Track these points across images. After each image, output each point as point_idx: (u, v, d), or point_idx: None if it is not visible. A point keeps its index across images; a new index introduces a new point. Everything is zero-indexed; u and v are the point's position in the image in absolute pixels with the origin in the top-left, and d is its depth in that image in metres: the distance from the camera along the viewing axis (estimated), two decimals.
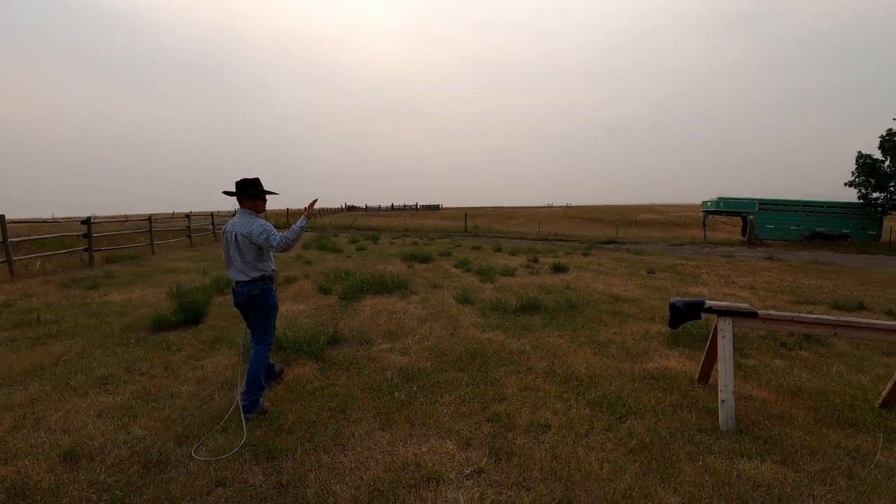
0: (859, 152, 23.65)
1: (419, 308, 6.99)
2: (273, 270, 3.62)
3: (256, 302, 3.52)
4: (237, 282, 3.53)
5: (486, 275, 9.98)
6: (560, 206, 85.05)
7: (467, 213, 39.16)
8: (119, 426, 3.26)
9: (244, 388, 3.48)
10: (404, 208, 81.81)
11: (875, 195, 23.11)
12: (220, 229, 23.16)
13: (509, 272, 10.59)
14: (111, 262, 12.66)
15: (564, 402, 3.61)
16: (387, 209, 79.68)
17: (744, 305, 3.43)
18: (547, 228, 35.33)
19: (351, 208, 77.05)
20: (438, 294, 8.06)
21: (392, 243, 20.42)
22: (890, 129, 22.62)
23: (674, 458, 2.79)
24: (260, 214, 3.60)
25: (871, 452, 2.87)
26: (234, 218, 3.62)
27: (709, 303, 3.50)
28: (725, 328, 3.39)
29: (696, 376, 4.02)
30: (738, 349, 4.92)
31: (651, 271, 11.86)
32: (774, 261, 16.59)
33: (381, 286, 8.22)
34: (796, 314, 3.32)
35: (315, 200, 3.72)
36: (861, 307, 7.35)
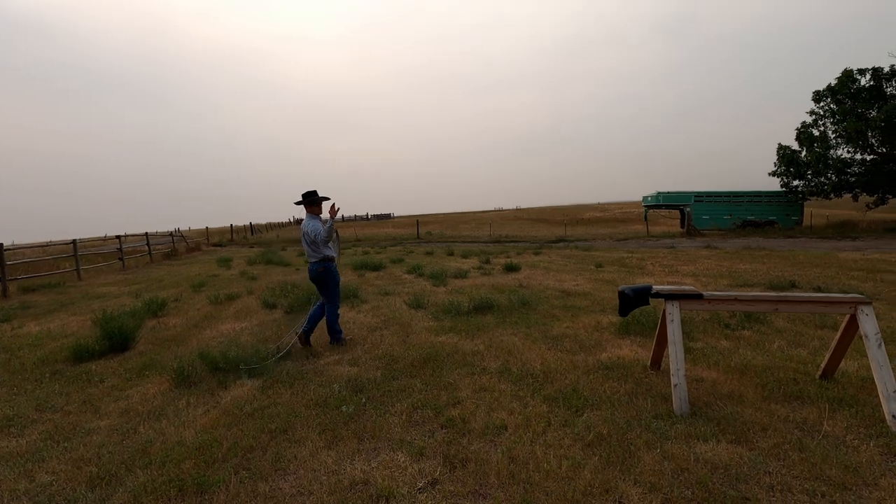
0: (779, 144, 25.44)
1: (369, 316, 6.74)
2: (332, 255, 5.24)
3: (322, 277, 5.21)
4: (310, 262, 5.24)
5: (438, 278, 9.83)
6: (510, 209, 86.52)
7: (419, 220, 39.01)
8: (21, 473, 2.84)
9: (330, 338, 5.34)
10: (355, 219, 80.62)
11: (795, 183, 24.89)
12: (157, 250, 21.90)
13: (462, 274, 10.50)
14: (29, 291, 11.56)
15: (520, 401, 3.49)
16: (337, 221, 78.34)
17: (689, 288, 3.45)
18: (498, 231, 35.74)
19: (300, 221, 75.13)
20: (390, 301, 7.83)
21: (342, 253, 19.92)
22: (804, 122, 24.48)
23: (632, 447, 2.72)
24: (320, 215, 5.26)
25: (817, 423, 2.91)
26: (304, 220, 5.29)
27: (656, 288, 3.49)
28: (673, 312, 3.39)
29: (649, 363, 4.02)
30: (686, 333, 4.99)
31: (599, 265, 12.12)
32: (712, 249, 17.44)
33: None
34: (738, 293, 3.36)
35: (334, 204, 5.06)
36: (793, 286, 7.75)
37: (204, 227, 40.32)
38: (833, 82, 22.95)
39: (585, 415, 3.19)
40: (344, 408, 3.51)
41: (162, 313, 7.77)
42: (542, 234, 31.82)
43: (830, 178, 23.05)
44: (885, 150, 21.73)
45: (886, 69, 21.99)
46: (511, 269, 11.24)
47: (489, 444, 2.88)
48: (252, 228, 45.89)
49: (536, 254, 16.72)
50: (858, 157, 22.71)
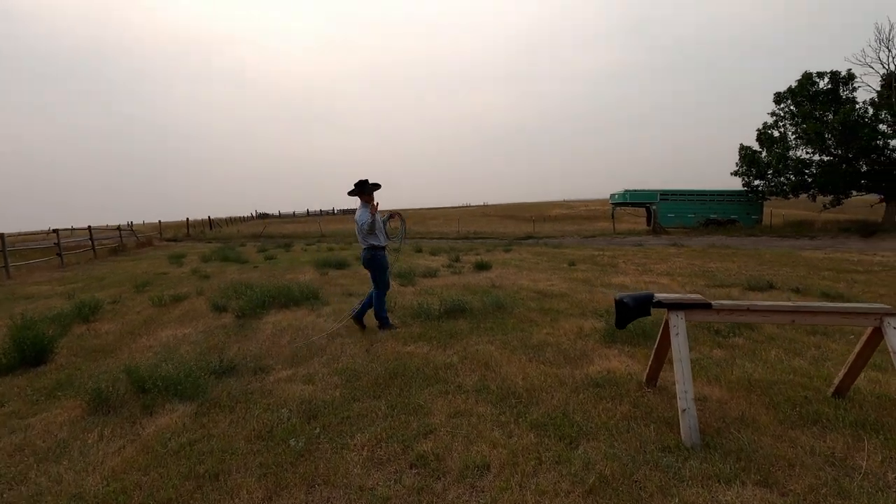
0: (741, 144, 25.96)
1: (331, 321, 6.10)
2: (381, 243, 5.45)
3: (370, 262, 5.46)
4: (362, 248, 5.53)
5: (406, 277, 9.25)
6: (477, 206, 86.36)
7: None
8: None
9: (379, 323, 5.59)
10: (321, 213, 78.61)
11: (756, 183, 25.45)
12: (102, 245, 20.36)
13: (431, 273, 9.95)
14: None
15: (503, 429, 2.98)
16: (302, 215, 76.06)
17: (696, 297, 3.01)
18: (466, 227, 35.33)
19: (263, 216, 72.57)
20: (354, 303, 7.18)
21: (305, 250, 19.02)
22: (765, 123, 25.04)
23: (643, 494, 2.25)
24: (370, 204, 5.40)
25: (847, 456, 2.52)
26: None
27: (658, 296, 3.04)
28: (678, 324, 2.95)
29: (644, 378, 3.59)
30: (652, 336, 4.60)
31: (572, 264, 11.81)
32: (679, 247, 17.51)
33: (288, 298, 7.20)
34: (751, 303, 2.95)
35: (377, 203, 5.44)
36: (771, 286, 7.58)
37: (157, 221, 38.16)
38: (793, 84, 23.53)
39: (581, 448, 2.71)
40: (293, 441, 2.91)
41: (94, 317, 6.89)
42: (510, 231, 31.58)
43: (790, 179, 23.64)
44: (840, 152, 22.42)
45: (843, 73, 22.70)
46: (482, 267, 10.76)
47: (469, 492, 2.35)
48: (211, 223, 43.91)
49: (507, 251, 16.34)
50: (816, 158, 23.38)
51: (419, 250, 16.91)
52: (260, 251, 18.23)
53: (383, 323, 5.56)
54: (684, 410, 2.75)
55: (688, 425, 2.72)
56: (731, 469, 2.39)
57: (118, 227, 24.99)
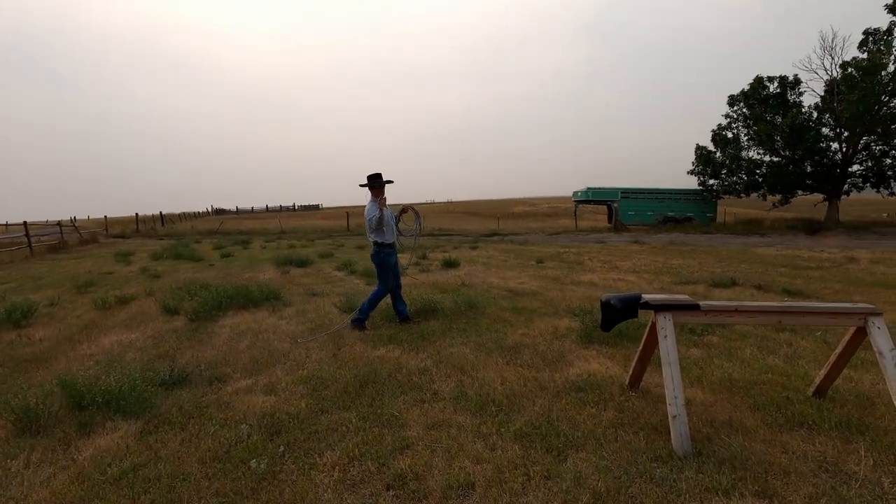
0: (697, 144, 26.83)
1: (293, 323, 5.75)
2: (387, 240, 5.31)
3: (374, 259, 5.42)
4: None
5: (373, 277, 8.88)
6: (442, 202, 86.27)
7: (349, 212, 37.41)
8: None
9: (354, 315, 5.41)
10: (280, 209, 76.44)
11: (711, 182, 26.40)
12: (40, 242, 18.91)
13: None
14: None
15: (486, 441, 2.78)
16: (261, 211, 73.76)
17: (683, 297, 2.90)
18: (431, 224, 35.09)
19: (219, 211, 69.89)
20: (318, 303, 6.86)
21: (265, 247, 18.31)
22: (720, 124, 25.98)
23: None
24: (379, 199, 5.20)
25: (839, 461, 2.46)
26: None
27: (645, 297, 2.91)
28: (666, 325, 2.83)
29: (627, 381, 3.47)
30: (640, 338, 4.54)
31: (540, 261, 11.79)
32: (641, 244, 17.90)
33: (247, 299, 6.77)
34: (739, 303, 2.86)
35: (384, 198, 5.25)
36: (734, 283, 7.73)
37: (103, 217, 35.95)
38: (746, 88, 24.49)
39: (570, 460, 2.54)
40: (254, 462, 2.61)
41: (27, 322, 6.26)
42: (475, 228, 31.58)
43: (742, 178, 24.63)
44: (788, 153, 23.52)
45: (791, 78, 23.79)
46: (450, 265, 10.56)
47: None
48: (163, 218, 41.86)
49: (473, 248, 16.24)
50: (767, 159, 24.44)
51: None
52: (216, 248, 17.40)
53: (357, 317, 5.38)
54: (675, 417, 2.63)
55: (679, 433, 2.60)
56: (727, 480, 2.28)
57: (59, 223, 23.32)
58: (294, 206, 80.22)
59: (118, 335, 5.53)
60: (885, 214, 33.81)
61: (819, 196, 24.77)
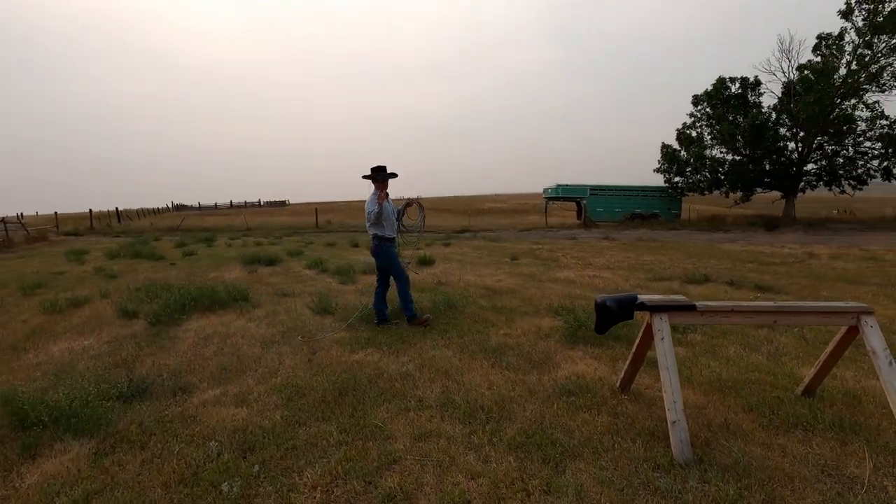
0: (663, 143, 27.51)
1: (264, 326, 5.45)
2: (387, 234, 5.18)
3: (376, 253, 5.30)
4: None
5: (346, 275, 8.65)
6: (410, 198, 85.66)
7: (318, 209, 36.66)
8: None
9: (407, 318, 5.25)
10: (245, 205, 74.27)
11: (676, 180, 27.09)
12: None
13: (372, 269, 9.36)
14: None
15: (478, 452, 2.62)
16: (225, 207, 71.47)
17: (679, 298, 2.81)
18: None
19: (180, 207, 67.32)
20: (289, 304, 6.54)
21: (230, 245, 17.63)
22: (684, 123, 26.67)
23: None
24: (381, 192, 5.08)
25: (839, 464, 2.42)
26: None
27: (641, 297, 2.81)
28: (663, 327, 2.73)
29: (618, 384, 3.38)
30: (630, 340, 4.48)
31: (514, 258, 11.73)
32: (611, 240, 18.14)
33: (213, 300, 6.40)
34: (735, 303, 2.80)
35: (385, 193, 5.13)
36: (707, 279, 7.84)
37: (53, 213, 33.98)
38: (709, 88, 25.21)
39: (568, 471, 2.41)
40: (226, 486, 2.37)
41: None
42: (446, 224, 31.44)
43: (706, 176, 25.38)
44: (748, 152, 24.36)
45: (752, 79, 24.63)
46: (425, 262, 10.37)
47: None
48: (119, 215, 39.96)
49: (446, 245, 16.08)
50: (729, 157, 25.25)
51: (356, 245, 16.22)
52: (178, 246, 16.63)
53: (406, 312, 5.27)
54: (674, 423, 2.54)
55: (679, 439, 2.51)
56: (734, 489, 2.19)
57: (3, 220, 21.85)
58: (260, 202, 78.16)
59: (69, 342, 5.11)
60: (835, 211, 35.57)
61: (777, 193, 25.78)
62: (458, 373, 3.82)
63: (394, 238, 5.36)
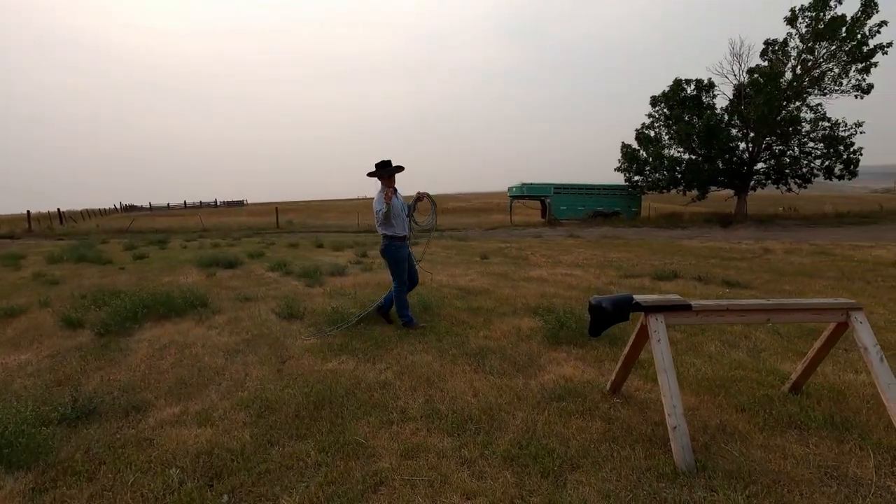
0: (623, 142, 28.16)
1: (226, 334, 5.08)
2: (398, 233, 4.93)
3: (383, 253, 5.09)
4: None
5: (312, 277, 8.29)
6: (372, 198, 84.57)
7: (278, 208, 35.56)
8: None
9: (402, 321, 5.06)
10: (201, 205, 71.38)
11: (636, 178, 27.81)
12: None
13: (339, 271, 9.06)
14: None
15: (471, 468, 2.43)
16: (178, 207, 68.43)
17: (675, 297, 2.72)
18: (366, 220, 34.21)
19: (129, 208, 63.99)
20: (253, 309, 6.17)
21: (185, 247, 16.78)
22: (643, 123, 27.41)
23: None
24: (388, 189, 4.82)
25: (839, 464, 2.37)
26: None
27: (637, 298, 2.70)
28: (659, 328, 2.63)
29: (608, 387, 3.27)
30: (618, 337, 4.42)
31: (484, 257, 11.63)
32: (576, 238, 18.39)
33: (168, 307, 5.94)
34: (731, 301, 2.73)
35: (388, 191, 4.78)
36: (676, 276, 7.95)
37: None
38: (666, 89, 25.99)
39: (570, 485, 2.26)
40: None
41: None
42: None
43: (664, 175, 26.15)
44: (703, 152, 25.27)
45: (706, 81, 25.55)
46: None
47: None
48: (61, 216, 37.51)
49: (414, 244, 15.83)
50: (686, 157, 26.11)
51: (320, 245, 15.75)
52: (127, 249, 15.66)
53: (403, 320, 5.07)
54: (675, 428, 2.43)
55: (680, 445, 2.40)
56: (742, 498, 2.09)
57: None
58: (216, 202, 75.31)
59: (3, 357, 4.59)
60: (780, 208, 37.50)
61: (730, 191, 26.87)
62: (440, 379, 3.62)
63: (405, 237, 5.05)
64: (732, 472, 2.29)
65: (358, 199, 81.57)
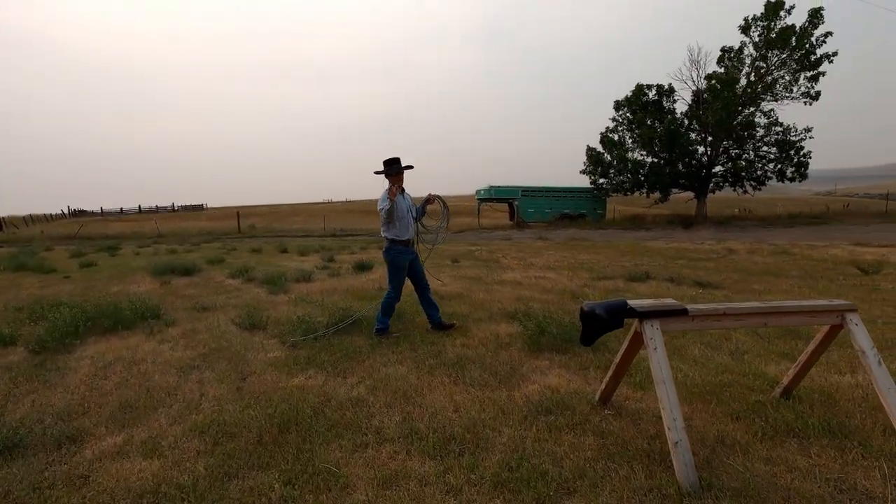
0: (588, 146, 28.58)
1: (180, 348, 4.66)
2: (401, 236, 4.69)
3: (385, 257, 4.90)
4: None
5: (275, 284, 7.85)
6: (340, 202, 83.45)
7: (240, 212, 34.37)
8: None
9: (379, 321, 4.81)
10: (157, 210, 68.32)
11: (602, 181, 28.28)
12: None
13: (305, 277, 8.65)
14: None
15: (459, 498, 2.18)
16: (132, 212, 65.29)
17: (671, 301, 2.55)
18: (332, 224, 33.51)
19: (78, 213, 60.59)
20: (210, 320, 5.74)
21: (139, 253, 15.90)
22: (607, 127, 27.91)
23: None
24: (394, 187, 4.48)
25: (846, 476, 2.25)
26: None
27: (631, 302, 2.52)
28: (655, 336, 2.45)
29: (597, 397, 3.08)
30: (595, 344, 4.25)
31: (455, 260, 11.42)
32: (545, 240, 18.45)
33: (115, 319, 5.44)
34: (727, 305, 2.58)
35: (393, 186, 4.49)
36: (648, 277, 7.94)
37: None
38: (629, 94, 26.56)
39: None
40: None
41: None
42: (378, 227, 30.69)
43: (628, 177, 26.69)
44: (665, 155, 25.94)
45: (666, 87, 26.25)
46: (363, 267, 9.75)
47: None
48: (2, 223, 35.12)
49: (381, 248, 15.48)
50: (649, 160, 26.73)
51: (284, 250, 15.19)
52: (74, 256, 14.68)
53: (380, 328, 4.79)
54: (677, 444, 2.25)
55: (683, 462, 2.22)
56: None
57: None
58: (174, 206, 72.31)
59: None
60: (736, 210, 39.01)
61: (690, 194, 27.68)
62: (417, 394, 3.36)
63: (408, 241, 4.76)
64: (740, 491, 2.13)
65: (324, 203, 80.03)
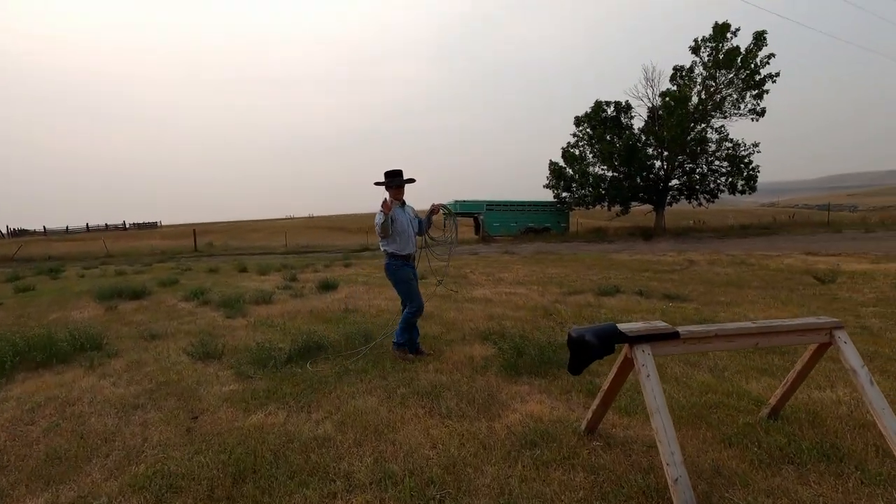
0: (550, 160, 29.08)
1: (123, 384, 4.20)
2: (401, 251, 4.48)
3: (386, 272, 4.69)
4: None
5: (233, 306, 7.38)
6: (302, 217, 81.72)
7: (196, 230, 32.99)
8: None
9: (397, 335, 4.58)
10: (107, 228, 64.96)
11: (564, 195, 28.76)
12: None
13: (265, 298, 8.19)
14: None
15: None
16: (79, 231, 61.84)
17: (661, 325, 2.40)
18: (295, 240, 32.65)
19: (19, 232, 56.83)
20: (160, 349, 5.27)
21: (83, 276, 14.88)
22: (569, 142, 28.49)
23: None
24: (389, 200, 4.28)
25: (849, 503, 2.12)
26: None
27: (622, 327, 2.35)
28: (647, 362, 2.29)
29: (583, 427, 2.89)
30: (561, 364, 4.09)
31: (422, 277, 11.12)
32: (511, 254, 18.45)
33: (49, 352, 4.90)
34: (718, 327, 2.46)
35: (386, 198, 4.28)
36: (618, 290, 7.93)
37: None
38: (588, 110, 27.26)
39: None
40: None
41: None
42: (343, 244, 30.14)
43: (590, 191, 27.25)
44: (624, 169, 26.67)
45: (624, 103, 27.11)
46: (328, 287, 9.36)
47: None
48: None
49: (347, 265, 15.07)
50: (609, 174, 27.41)
51: (243, 269, 14.53)
52: (9, 280, 13.57)
53: (398, 343, 4.59)
54: (676, 480, 2.07)
55: (683, 500, 2.05)
56: None
57: None
58: (125, 224, 68.97)
59: None
60: (691, 222, 40.54)
61: (649, 206, 28.50)
62: (389, 429, 3.08)
63: (410, 255, 4.55)
64: None
65: (286, 219, 78.21)
